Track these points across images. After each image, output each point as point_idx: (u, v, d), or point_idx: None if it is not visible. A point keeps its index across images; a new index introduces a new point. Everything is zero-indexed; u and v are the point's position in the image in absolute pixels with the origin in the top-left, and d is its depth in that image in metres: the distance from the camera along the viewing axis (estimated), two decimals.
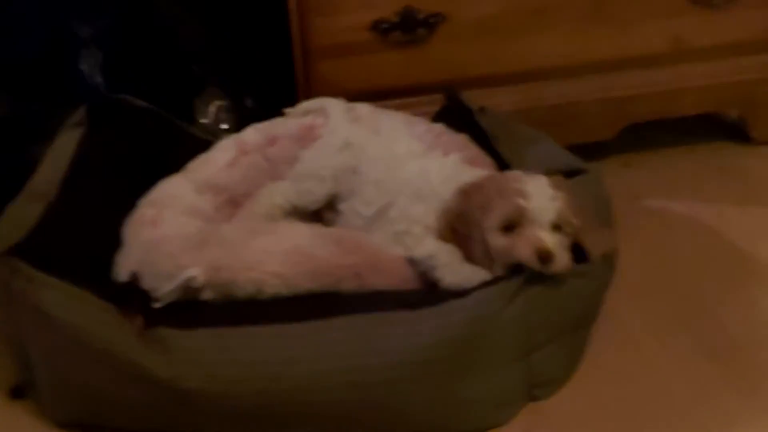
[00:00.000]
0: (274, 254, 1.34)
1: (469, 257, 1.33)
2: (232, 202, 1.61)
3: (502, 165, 1.54)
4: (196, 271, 1.31)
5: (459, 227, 1.34)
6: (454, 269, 1.33)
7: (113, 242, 1.46)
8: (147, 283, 1.31)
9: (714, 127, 2.07)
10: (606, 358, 1.44)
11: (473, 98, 1.75)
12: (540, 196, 1.31)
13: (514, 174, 1.39)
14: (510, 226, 1.31)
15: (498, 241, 1.32)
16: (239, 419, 1.26)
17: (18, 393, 1.39)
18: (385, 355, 1.24)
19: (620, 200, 1.58)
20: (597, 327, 1.46)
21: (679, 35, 1.90)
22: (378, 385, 1.24)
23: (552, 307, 1.33)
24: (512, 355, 1.31)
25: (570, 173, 1.47)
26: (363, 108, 1.68)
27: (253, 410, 1.25)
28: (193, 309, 1.30)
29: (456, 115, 1.70)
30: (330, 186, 1.51)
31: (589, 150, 1.73)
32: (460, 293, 1.27)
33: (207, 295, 1.32)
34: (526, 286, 1.29)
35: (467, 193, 1.36)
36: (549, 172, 1.39)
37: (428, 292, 1.31)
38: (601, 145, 1.94)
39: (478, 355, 1.27)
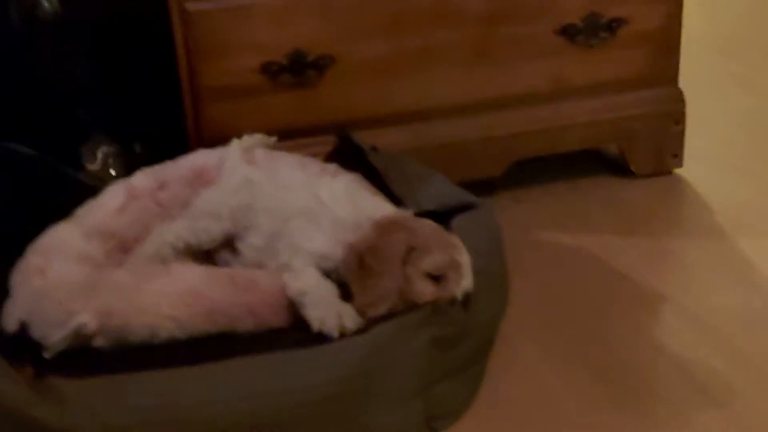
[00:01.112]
0: (167, 296, 1.32)
1: (373, 290, 1.33)
2: (122, 247, 1.58)
3: (395, 202, 1.56)
4: (86, 318, 1.28)
5: (371, 261, 1.34)
6: (324, 310, 1.32)
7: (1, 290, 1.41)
8: (36, 332, 1.28)
9: (596, 162, 2.15)
10: (503, 388, 1.46)
11: (364, 138, 1.77)
12: (464, 254, 1.35)
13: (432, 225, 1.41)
14: (437, 276, 1.34)
15: (424, 285, 1.33)
16: None
17: None
18: (285, 395, 1.23)
19: (511, 233, 1.62)
20: (494, 357, 1.48)
21: (558, 74, 1.97)
22: (281, 425, 1.23)
23: (450, 343, 1.34)
24: (413, 388, 1.32)
25: (462, 208, 1.50)
26: (257, 151, 1.68)
27: None
28: (86, 357, 1.26)
29: (348, 154, 1.72)
30: (227, 225, 1.50)
31: (479, 187, 1.77)
32: (360, 329, 1.27)
33: (99, 342, 1.29)
34: (428, 321, 1.30)
35: (386, 228, 1.36)
36: (442, 208, 1.42)
37: None
38: (490, 182, 1.99)
39: (379, 390, 1.28)
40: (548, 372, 1.50)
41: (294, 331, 1.32)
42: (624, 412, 1.41)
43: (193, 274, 1.38)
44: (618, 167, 2.10)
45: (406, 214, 1.43)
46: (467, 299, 1.34)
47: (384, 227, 1.37)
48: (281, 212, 1.45)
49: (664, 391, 1.46)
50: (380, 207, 1.46)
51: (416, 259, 1.33)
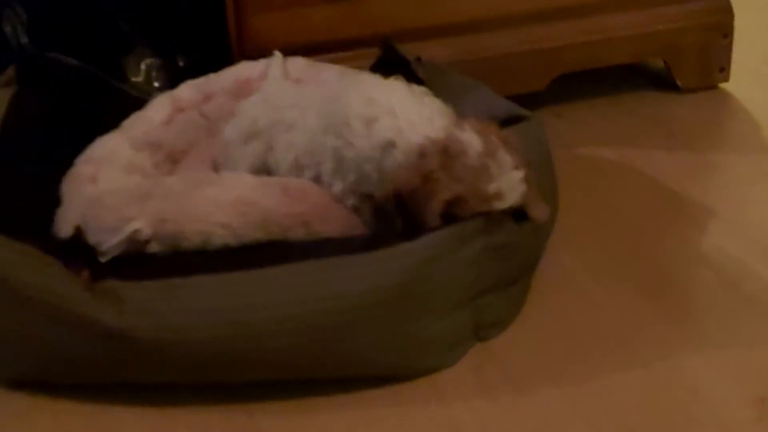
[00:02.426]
0: (220, 205, 1.33)
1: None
2: (171, 158, 1.60)
3: None
4: (141, 224, 1.29)
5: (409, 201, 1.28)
6: None
7: (50, 200, 1.44)
8: (91, 237, 1.30)
9: (641, 76, 2.12)
10: (548, 299, 1.47)
11: (406, 51, 1.76)
12: (510, 193, 1.30)
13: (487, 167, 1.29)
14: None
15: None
16: (193, 368, 1.26)
17: None
18: (338, 299, 1.24)
19: (553, 149, 1.61)
20: (539, 270, 1.49)
21: None
22: (332, 328, 1.25)
23: (501, 255, 1.34)
24: (462, 297, 1.33)
25: (511, 120, 1.50)
26: (300, 62, 1.67)
27: (207, 358, 1.24)
28: (141, 261, 1.29)
29: (392, 65, 1.71)
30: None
31: (521, 101, 1.76)
32: (413, 236, 1.28)
33: (153, 247, 1.31)
34: (481, 232, 1.30)
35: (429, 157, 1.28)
36: (490, 120, 1.41)
37: (379, 236, 1.32)
38: (532, 96, 1.97)
39: (429, 297, 1.29)
40: (593, 285, 1.51)
41: (345, 239, 1.33)
42: (669, 324, 1.42)
43: (245, 183, 1.39)
44: (663, 81, 2.08)
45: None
46: (520, 211, 1.33)
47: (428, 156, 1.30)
48: (322, 123, 1.42)
49: (709, 303, 1.47)
50: (438, 110, 1.39)
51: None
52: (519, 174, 1.30)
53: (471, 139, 1.28)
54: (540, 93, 1.99)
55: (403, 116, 1.31)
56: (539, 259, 1.48)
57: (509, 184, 1.29)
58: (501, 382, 1.33)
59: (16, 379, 1.32)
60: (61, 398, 1.30)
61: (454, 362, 1.35)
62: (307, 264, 1.26)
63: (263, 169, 1.47)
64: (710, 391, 1.29)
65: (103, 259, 1.27)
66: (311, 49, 1.78)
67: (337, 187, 1.38)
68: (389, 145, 1.31)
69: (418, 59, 1.69)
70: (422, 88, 1.43)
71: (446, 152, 1.27)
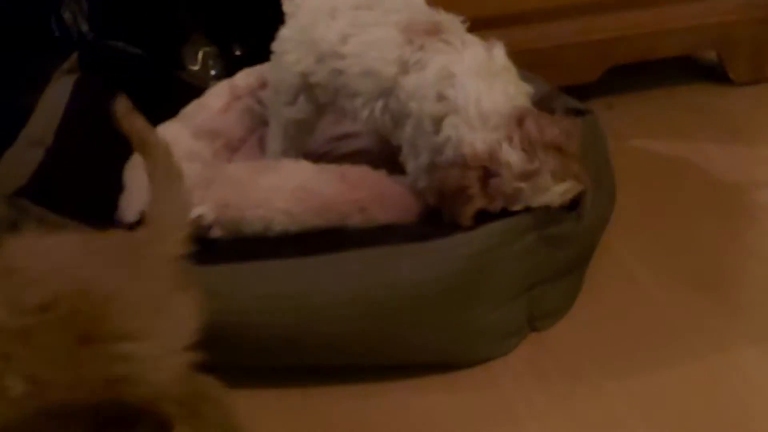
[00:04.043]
0: (280, 191, 1.35)
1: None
2: (229, 146, 1.62)
3: None
4: (204, 209, 1.32)
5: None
6: None
7: (112, 186, 1.46)
8: None
9: (692, 69, 2.11)
10: (603, 291, 1.48)
11: None
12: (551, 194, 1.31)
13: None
14: None
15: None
16: (254, 351, 1.28)
17: None
18: (396, 287, 1.26)
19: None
20: (594, 261, 1.49)
21: None
22: (390, 315, 1.27)
23: (556, 246, 1.35)
24: (517, 288, 1.34)
25: (568, 114, 1.50)
26: None
27: (268, 342, 1.27)
28: (204, 246, 1.30)
29: None
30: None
31: (572, 93, 1.76)
32: (468, 226, 1.29)
33: (216, 233, 1.33)
34: (538, 223, 1.31)
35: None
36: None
37: (435, 224, 1.33)
38: (584, 87, 1.97)
39: (486, 287, 1.30)
40: (647, 277, 1.51)
41: (402, 227, 1.35)
42: (725, 317, 1.42)
43: (304, 170, 1.41)
44: (716, 74, 2.06)
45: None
46: (578, 203, 1.34)
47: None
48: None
49: (765, 296, 1.47)
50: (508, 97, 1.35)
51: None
52: (561, 188, 1.31)
53: (512, 157, 1.28)
54: (592, 84, 1.98)
55: (465, 115, 1.31)
56: (594, 251, 1.49)
57: (542, 200, 1.30)
58: (555, 372, 1.35)
59: None
60: None
61: (508, 351, 1.37)
62: (368, 251, 1.28)
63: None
64: (766, 385, 1.29)
65: None
66: None
67: (411, 165, 1.40)
68: (448, 141, 1.32)
69: None
70: (504, 63, 1.39)
71: (485, 170, 1.29)
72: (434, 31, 1.38)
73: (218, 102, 1.64)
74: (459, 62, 1.35)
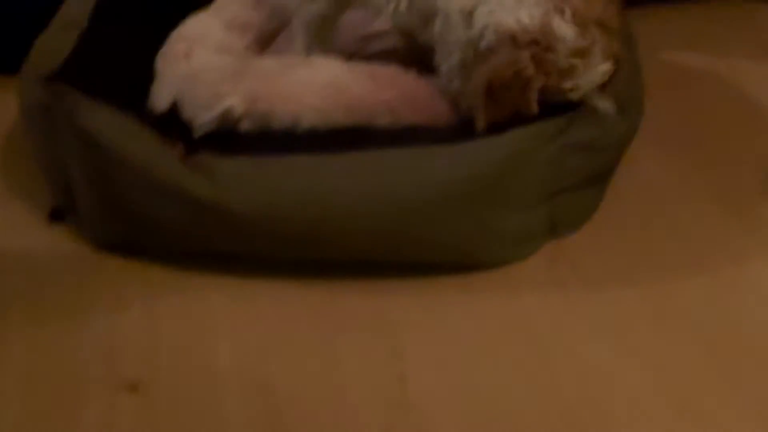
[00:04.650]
0: (310, 86, 1.36)
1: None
2: (260, 40, 1.62)
3: None
4: (234, 101, 1.33)
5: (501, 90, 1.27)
6: None
7: (146, 73, 1.47)
8: (186, 112, 1.34)
9: None
10: (625, 201, 1.48)
11: None
12: (586, 86, 1.30)
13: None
14: None
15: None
16: (278, 242, 1.31)
17: (57, 215, 1.43)
18: (420, 187, 1.28)
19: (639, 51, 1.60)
20: (618, 173, 1.50)
21: None
22: (413, 214, 1.29)
23: (581, 154, 1.36)
24: (540, 194, 1.35)
25: None
26: None
27: (293, 234, 1.29)
28: (233, 138, 1.33)
29: None
30: None
31: None
32: (496, 129, 1.29)
33: (245, 125, 1.34)
34: (565, 130, 1.31)
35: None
36: None
37: (463, 128, 1.34)
38: None
39: (509, 191, 1.32)
40: (670, 191, 1.52)
41: (430, 129, 1.35)
42: (744, 234, 1.43)
43: (334, 67, 1.41)
44: None
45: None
46: (605, 109, 1.33)
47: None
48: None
49: None
50: None
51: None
52: (604, 67, 1.29)
53: (566, 32, 1.26)
54: None
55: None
56: (618, 163, 1.49)
57: (589, 79, 1.29)
58: (572, 278, 1.37)
59: (111, 243, 1.39)
60: (150, 264, 1.37)
61: (527, 256, 1.39)
62: (394, 151, 1.29)
63: None
64: None
65: (196, 134, 1.31)
66: None
67: (444, 66, 1.38)
68: (485, 29, 1.29)
69: None
70: None
71: (538, 44, 1.26)
72: None
73: None
74: None
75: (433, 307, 1.32)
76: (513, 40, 1.26)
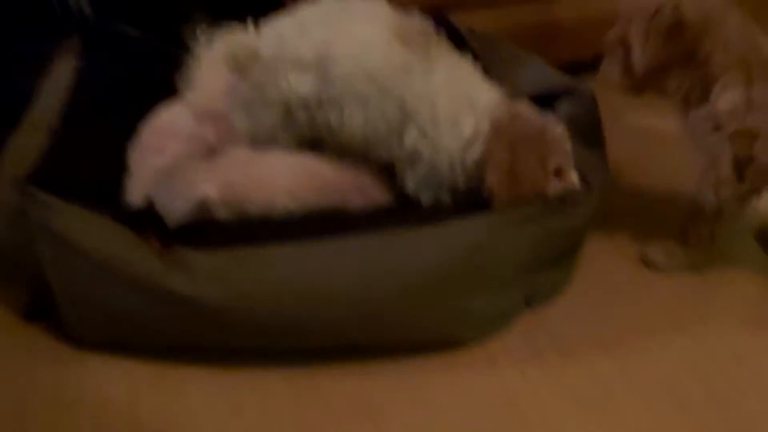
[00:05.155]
0: (283, 171, 1.39)
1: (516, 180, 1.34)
2: (231, 129, 1.63)
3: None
4: (209, 189, 1.35)
5: (520, 150, 1.33)
6: None
7: (118, 168, 1.49)
8: (161, 207, 1.35)
9: None
10: (597, 268, 1.51)
11: (458, 19, 1.78)
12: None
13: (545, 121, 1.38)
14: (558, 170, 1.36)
15: (554, 182, 1.36)
16: (258, 334, 1.32)
17: (34, 314, 1.43)
18: (395, 273, 1.30)
19: (604, 119, 1.63)
20: (589, 238, 1.51)
21: None
22: (389, 299, 1.30)
23: (555, 236, 1.39)
24: (515, 275, 1.38)
25: (564, 93, 1.52)
26: None
27: (272, 325, 1.30)
28: (210, 230, 1.34)
29: (444, 37, 1.73)
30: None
31: (567, 69, 1.77)
32: (465, 213, 1.32)
33: (221, 212, 1.36)
34: (539, 216, 1.34)
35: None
36: (543, 92, 1.44)
37: (431, 210, 1.36)
38: (581, 64, 1.98)
39: (484, 274, 1.34)
40: (638, 254, 1.55)
41: (402, 212, 1.37)
42: (715, 295, 1.46)
43: (305, 154, 1.43)
44: None
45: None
46: (574, 192, 1.37)
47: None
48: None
49: (749, 274, 1.50)
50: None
51: (547, 156, 1.34)
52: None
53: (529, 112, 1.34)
54: (591, 60, 1.99)
55: (479, 108, 1.36)
56: (588, 231, 1.51)
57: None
58: (550, 348, 1.39)
59: (91, 341, 1.39)
60: (131, 359, 1.37)
61: (504, 330, 1.41)
62: (368, 237, 1.31)
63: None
64: (755, 360, 1.34)
65: (171, 225, 1.33)
66: None
67: (410, 182, 1.41)
68: (472, 140, 1.36)
69: (472, 31, 1.71)
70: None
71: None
72: (427, 36, 1.40)
73: (220, 84, 1.65)
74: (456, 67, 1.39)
75: (415, 386, 1.33)
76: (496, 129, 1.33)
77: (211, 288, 1.28)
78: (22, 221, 1.32)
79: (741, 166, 1.39)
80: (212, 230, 1.34)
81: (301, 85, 1.40)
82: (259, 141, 1.47)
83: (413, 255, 1.30)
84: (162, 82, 1.69)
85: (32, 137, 1.46)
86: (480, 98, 1.37)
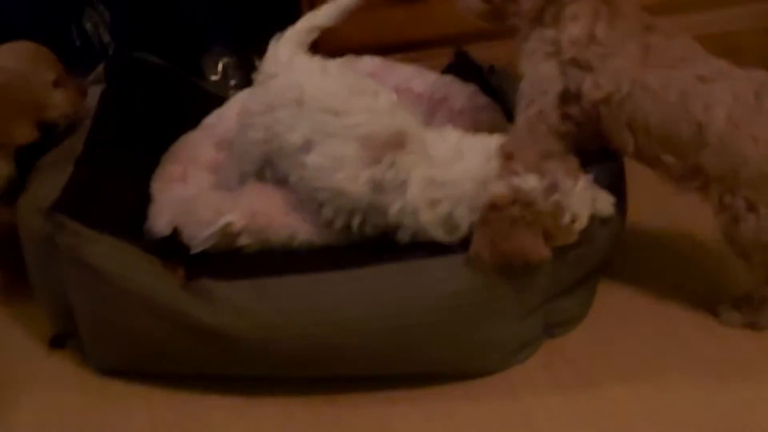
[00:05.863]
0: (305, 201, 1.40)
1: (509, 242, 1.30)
2: None
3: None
4: (233, 217, 1.36)
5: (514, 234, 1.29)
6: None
7: (141, 196, 1.50)
8: (186, 234, 1.37)
9: None
10: (617, 297, 1.52)
11: (473, 52, 1.81)
12: (584, 210, 1.33)
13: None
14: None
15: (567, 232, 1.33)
16: (280, 363, 1.33)
17: (58, 342, 1.44)
18: (418, 302, 1.30)
19: None
20: (609, 269, 1.53)
21: None
22: (412, 329, 1.31)
23: (573, 262, 1.39)
24: (535, 303, 1.38)
25: None
26: (372, 60, 1.72)
27: (294, 355, 1.31)
28: (233, 261, 1.35)
29: (464, 72, 1.75)
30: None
31: None
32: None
33: (244, 240, 1.38)
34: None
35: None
36: None
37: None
38: None
39: (504, 303, 1.34)
40: (660, 282, 1.55)
41: (424, 241, 1.38)
42: (746, 337, 1.45)
43: None
44: None
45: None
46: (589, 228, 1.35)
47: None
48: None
49: None
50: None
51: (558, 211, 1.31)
52: (582, 183, 1.32)
53: (530, 183, 1.29)
54: None
55: (462, 185, 1.33)
56: (607, 261, 1.52)
57: (579, 202, 1.32)
58: (571, 378, 1.39)
59: (114, 368, 1.40)
60: (154, 386, 1.38)
61: (525, 359, 1.41)
62: (390, 267, 1.32)
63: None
64: None
65: (196, 251, 1.34)
66: (383, 49, 1.83)
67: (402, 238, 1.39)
68: (449, 218, 1.34)
69: (491, 67, 1.73)
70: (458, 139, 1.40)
71: (515, 203, 1.29)
72: (398, 144, 1.37)
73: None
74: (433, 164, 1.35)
75: (434, 415, 1.34)
76: (494, 207, 1.29)
77: (233, 318, 1.29)
78: (50, 248, 1.34)
79: (567, 100, 1.39)
80: (235, 260, 1.36)
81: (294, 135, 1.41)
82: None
83: (435, 283, 1.30)
84: (184, 110, 1.71)
85: (58, 165, 1.47)
86: (466, 185, 1.33)
